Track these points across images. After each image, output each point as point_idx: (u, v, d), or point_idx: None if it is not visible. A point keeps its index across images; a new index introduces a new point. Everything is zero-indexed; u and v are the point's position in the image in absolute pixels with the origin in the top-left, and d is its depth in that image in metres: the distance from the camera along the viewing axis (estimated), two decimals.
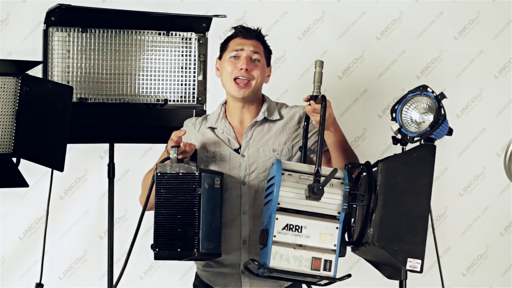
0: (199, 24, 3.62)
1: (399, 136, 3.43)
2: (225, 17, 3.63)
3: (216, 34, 3.83)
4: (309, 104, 2.99)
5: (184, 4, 4.03)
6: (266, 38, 3.33)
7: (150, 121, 3.60)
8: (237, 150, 3.20)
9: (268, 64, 3.30)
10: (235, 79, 3.20)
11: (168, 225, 2.95)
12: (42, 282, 3.44)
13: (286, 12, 4.24)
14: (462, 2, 4.26)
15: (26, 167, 3.33)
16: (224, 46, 3.29)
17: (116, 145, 3.69)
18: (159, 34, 3.57)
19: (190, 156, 3.11)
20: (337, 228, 2.85)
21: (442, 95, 3.38)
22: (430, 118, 3.39)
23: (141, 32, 3.54)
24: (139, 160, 4.15)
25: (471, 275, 4.33)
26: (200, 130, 3.28)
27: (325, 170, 2.90)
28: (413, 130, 3.42)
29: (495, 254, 4.33)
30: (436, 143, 3.51)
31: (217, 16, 3.60)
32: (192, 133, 3.29)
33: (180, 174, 2.97)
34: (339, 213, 2.87)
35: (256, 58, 3.20)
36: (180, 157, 3.04)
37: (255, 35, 3.24)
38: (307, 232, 2.83)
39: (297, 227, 2.82)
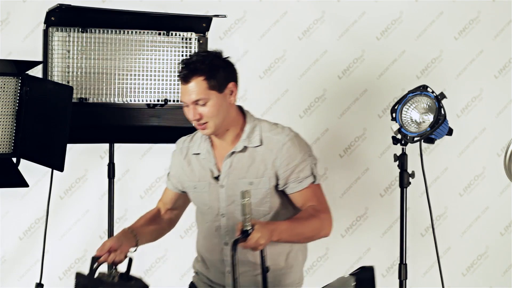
0: (199, 24, 3.61)
1: (399, 136, 3.44)
2: (225, 17, 3.63)
3: (216, 34, 3.84)
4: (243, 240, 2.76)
5: (184, 4, 4.03)
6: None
7: (150, 121, 3.60)
8: (218, 177, 3.06)
9: (225, 85, 2.98)
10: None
11: None
12: (42, 282, 3.44)
13: (286, 12, 4.24)
14: (462, 2, 4.26)
15: (26, 167, 3.33)
16: None
17: (116, 145, 3.69)
18: (159, 34, 3.56)
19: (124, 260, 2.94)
20: None
21: (442, 95, 3.38)
22: (430, 118, 3.40)
23: (141, 32, 3.54)
24: (139, 160, 4.15)
25: (471, 275, 4.33)
26: (186, 157, 3.14)
27: None
28: (413, 130, 3.42)
29: (495, 254, 4.34)
30: (436, 143, 3.51)
31: (217, 16, 3.60)
32: (179, 160, 3.18)
33: None
34: None
35: (201, 103, 2.93)
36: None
37: (191, 75, 2.92)
38: None
39: None
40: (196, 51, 3.61)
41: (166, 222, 3.23)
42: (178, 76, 2.97)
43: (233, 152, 3.03)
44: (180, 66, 2.97)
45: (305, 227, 2.91)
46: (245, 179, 3.01)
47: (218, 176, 3.05)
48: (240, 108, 3.10)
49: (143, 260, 3.83)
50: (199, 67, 2.92)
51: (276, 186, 3.01)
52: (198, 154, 3.10)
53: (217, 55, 3.00)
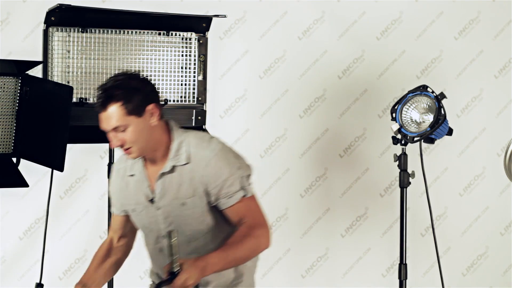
0: (199, 24, 3.61)
1: (399, 136, 3.44)
2: (225, 17, 3.63)
3: (216, 34, 3.83)
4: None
5: (184, 4, 4.03)
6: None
7: None
8: (153, 200, 2.93)
9: (144, 107, 2.83)
10: None
11: None
12: (42, 282, 3.44)
13: (286, 12, 4.24)
14: (462, 2, 4.26)
15: (26, 167, 3.33)
16: None
17: None
18: (159, 34, 3.56)
19: None
20: None
21: (442, 95, 3.38)
22: (430, 118, 3.40)
23: (141, 32, 3.54)
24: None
25: (471, 275, 4.34)
26: (123, 179, 3.01)
27: None
28: (413, 130, 3.43)
29: (495, 254, 4.34)
30: (436, 143, 3.52)
31: (217, 16, 3.60)
32: (117, 182, 3.07)
33: None
34: None
35: (121, 130, 2.81)
36: None
37: (108, 102, 2.80)
38: None
39: None
40: (196, 51, 3.61)
41: (121, 251, 3.13)
42: (96, 103, 2.84)
43: (163, 173, 2.90)
44: (97, 92, 2.84)
45: (240, 251, 2.79)
46: (178, 200, 2.89)
47: (153, 198, 2.93)
48: (167, 124, 2.96)
49: (142, 260, 3.82)
50: (115, 93, 2.79)
51: (210, 203, 2.89)
52: (133, 175, 2.98)
53: (134, 76, 2.88)
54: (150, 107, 2.85)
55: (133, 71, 2.89)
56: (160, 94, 3.56)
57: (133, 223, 3.07)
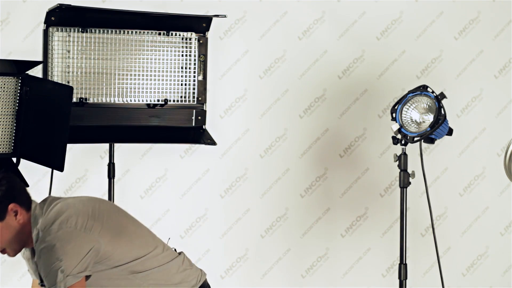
0: (199, 24, 3.61)
1: (399, 136, 3.44)
2: (225, 17, 3.63)
3: (216, 34, 3.83)
4: None
5: (184, 4, 4.03)
6: None
7: (150, 121, 3.60)
8: (42, 283, 2.78)
9: (5, 210, 2.73)
10: None
11: None
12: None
13: (286, 12, 4.24)
14: (462, 2, 4.26)
15: (26, 167, 3.32)
16: None
17: (116, 145, 3.69)
18: (159, 34, 3.56)
19: None
20: None
21: (442, 95, 3.38)
22: (430, 118, 3.40)
23: (141, 32, 3.54)
24: (139, 160, 4.15)
25: (471, 275, 4.34)
26: (24, 253, 2.92)
27: None
28: (413, 130, 3.43)
29: (495, 254, 4.34)
30: (436, 143, 3.52)
31: (217, 16, 3.60)
32: (23, 256, 2.95)
33: None
34: None
35: None
36: None
37: None
38: None
39: None
40: (196, 51, 3.61)
41: None
42: None
43: (35, 262, 2.78)
44: None
45: None
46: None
47: (43, 281, 2.76)
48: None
49: None
50: None
51: None
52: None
53: None
54: (11, 206, 2.75)
55: None
56: (160, 94, 3.57)
57: None
